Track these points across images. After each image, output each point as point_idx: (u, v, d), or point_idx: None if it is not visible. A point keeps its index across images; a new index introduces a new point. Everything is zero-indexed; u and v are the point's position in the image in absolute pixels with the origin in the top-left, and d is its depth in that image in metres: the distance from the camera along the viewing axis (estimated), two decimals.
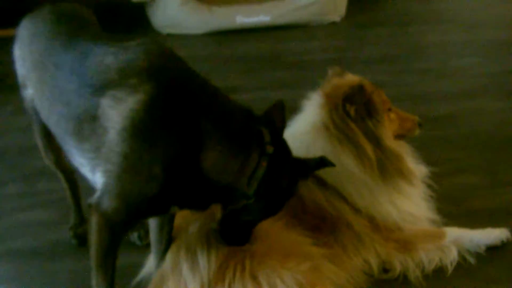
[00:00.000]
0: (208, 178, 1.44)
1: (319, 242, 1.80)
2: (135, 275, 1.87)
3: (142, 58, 1.44)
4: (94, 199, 1.46)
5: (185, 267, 1.64)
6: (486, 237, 2.03)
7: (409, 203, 2.02)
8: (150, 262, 1.84)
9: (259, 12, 4.48)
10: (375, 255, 1.92)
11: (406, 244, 1.95)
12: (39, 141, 1.97)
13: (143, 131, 1.38)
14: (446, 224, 2.07)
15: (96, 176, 1.48)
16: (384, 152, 1.92)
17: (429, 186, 2.23)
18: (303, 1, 4.52)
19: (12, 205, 2.42)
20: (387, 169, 1.93)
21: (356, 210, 1.92)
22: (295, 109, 2.03)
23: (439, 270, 1.95)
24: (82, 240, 2.10)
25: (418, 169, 2.17)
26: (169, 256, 1.70)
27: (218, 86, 1.53)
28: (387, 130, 1.96)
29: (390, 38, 4.36)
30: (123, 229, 1.54)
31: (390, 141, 1.96)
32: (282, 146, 1.56)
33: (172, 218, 1.71)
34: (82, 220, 2.14)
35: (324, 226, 1.87)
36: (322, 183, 1.91)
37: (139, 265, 1.89)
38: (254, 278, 1.62)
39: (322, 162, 1.60)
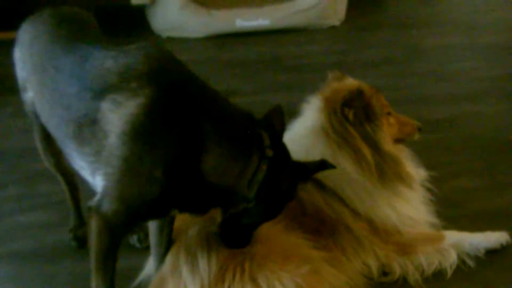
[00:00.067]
0: (209, 181, 1.44)
1: (319, 245, 1.80)
2: (135, 278, 1.87)
3: (142, 62, 1.45)
4: (94, 202, 1.47)
5: (184, 270, 1.65)
6: (486, 241, 2.03)
7: (409, 206, 2.02)
8: (150, 264, 1.84)
9: (258, 15, 4.49)
10: (374, 258, 1.92)
11: (405, 247, 1.95)
12: (39, 144, 1.97)
13: (144, 134, 1.38)
14: (446, 228, 2.07)
15: (96, 179, 1.48)
16: (383, 156, 1.93)
17: (428, 190, 2.24)
18: (303, 5, 4.53)
19: (12, 207, 2.42)
20: (386, 173, 1.93)
21: (356, 213, 1.92)
22: (295, 113, 2.04)
23: (439, 273, 1.95)
24: (81, 242, 2.11)
25: (417, 172, 2.18)
26: (168, 258, 1.70)
27: (217, 90, 1.53)
28: (386, 134, 1.96)
29: (390, 41, 4.37)
30: (123, 232, 1.54)
31: (388, 146, 1.96)
32: (282, 150, 1.56)
33: (172, 220, 1.71)
34: (81, 222, 2.14)
35: (323, 229, 1.87)
36: (322, 186, 1.91)
37: (138, 268, 1.89)
38: (254, 280, 1.63)
39: (322, 164, 1.61)
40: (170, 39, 4.43)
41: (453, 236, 2.01)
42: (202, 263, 1.64)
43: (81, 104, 1.48)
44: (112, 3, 4.81)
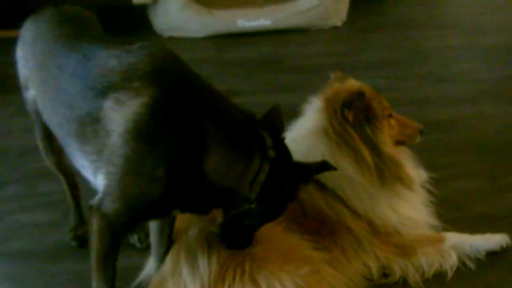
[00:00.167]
0: (210, 181, 1.44)
1: (319, 246, 1.81)
2: (135, 278, 1.87)
3: (145, 62, 1.45)
4: (95, 201, 1.47)
5: (185, 270, 1.65)
6: (486, 243, 2.03)
7: (409, 208, 2.02)
8: (150, 264, 1.84)
9: (260, 16, 4.49)
10: (374, 259, 1.92)
11: (406, 249, 1.95)
12: (40, 143, 1.97)
13: (146, 134, 1.38)
14: (446, 229, 2.07)
15: (98, 178, 1.48)
16: (382, 158, 1.92)
17: (429, 191, 2.23)
18: (304, 6, 4.53)
19: (12, 206, 2.42)
20: (386, 175, 1.93)
21: (356, 214, 1.92)
22: (296, 113, 2.04)
23: (439, 275, 1.95)
24: (82, 242, 2.11)
25: (418, 174, 2.18)
26: (169, 258, 1.70)
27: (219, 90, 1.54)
28: (386, 136, 1.96)
29: (391, 42, 4.37)
30: (124, 231, 1.55)
31: (388, 148, 1.96)
32: (283, 151, 1.56)
33: (172, 220, 1.71)
34: (82, 221, 2.14)
35: (323, 230, 1.87)
36: (322, 187, 1.91)
37: (139, 268, 1.89)
38: (254, 281, 1.63)
39: (324, 165, 1.61)
40: (172, 39, 4.43)
41: (453, 238, 2.01)
42: (202, 263, 1.64)
43: (83, 102, 1.48)
44: (113, 3, 4.81)
